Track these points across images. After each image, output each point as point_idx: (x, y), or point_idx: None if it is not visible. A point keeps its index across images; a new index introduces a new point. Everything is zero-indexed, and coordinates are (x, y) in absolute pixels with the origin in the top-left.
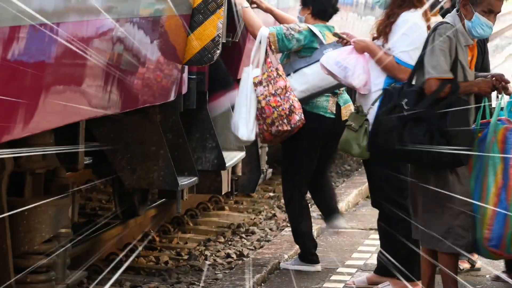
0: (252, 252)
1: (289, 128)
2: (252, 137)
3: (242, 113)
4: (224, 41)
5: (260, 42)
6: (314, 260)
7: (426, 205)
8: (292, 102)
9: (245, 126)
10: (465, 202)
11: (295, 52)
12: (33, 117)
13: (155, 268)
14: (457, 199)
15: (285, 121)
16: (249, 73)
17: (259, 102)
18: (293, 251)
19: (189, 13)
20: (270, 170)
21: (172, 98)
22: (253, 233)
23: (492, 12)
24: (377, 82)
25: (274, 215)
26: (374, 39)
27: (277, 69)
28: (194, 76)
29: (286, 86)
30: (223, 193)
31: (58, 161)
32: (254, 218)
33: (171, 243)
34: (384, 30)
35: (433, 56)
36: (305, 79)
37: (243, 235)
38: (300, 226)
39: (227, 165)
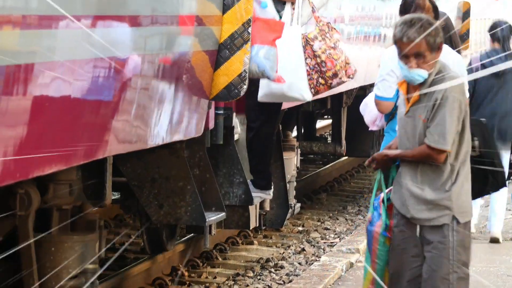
0: (281, 286)
1: (348, 80)
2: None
3: (301, 73)
4: (251, 76)
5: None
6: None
7: None
8: (345, 53)
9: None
10: None
11: None
12: (59, 153)
13: None
14: None
15: (343, 72)
16: (294, 32)
17: (317, 56)
18: (322, 286)
19: (216, 49)
20: (299, 205)
21: (199, 133)
22: (282, 267)
23: (407, 56)
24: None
25: (303, 249)
26: None
27: (328, 23)
28: (221, 112)
29: (339, 39)
30: (251, 228)
31: (85, 196)
32: (283, 253)
33: (200, 277)
34: None
35: None
36: None
37: (272, 270)
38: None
39: (254, 200)
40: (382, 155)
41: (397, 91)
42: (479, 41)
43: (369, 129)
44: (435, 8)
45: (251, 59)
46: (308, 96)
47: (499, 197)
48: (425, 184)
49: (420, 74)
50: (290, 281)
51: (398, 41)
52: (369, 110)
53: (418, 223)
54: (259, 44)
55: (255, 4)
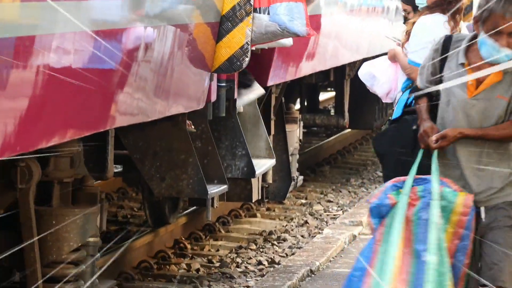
0: (284, 259)
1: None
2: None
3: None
4: (254, 49)
5: None
6: None
7: None
8: None
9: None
10: None
11: None
12: (61, 125)
13: (186, 276)
14: None
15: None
16: None
17: None
18: (324, 258)
19: (218, 21)
20: (301, 178)
21: (201, 106)
22: (284, 240)
23: (500, 32)
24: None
25: (306, 222)
26: (404, 43)
27: None
28: (223, 84)
29: None
30: (253, 201)
31: (87, 169)
32: (286, 225)
33: (202, 250)
34: (408, 33)
35: None
36: None
37: (275, 242)
38: None
39: (257, 172)
40: (457, 131)
41: None
42: None
43: (383, 101)
44: None
45: (270, 20)
46: (289, 43)
47: None
48: (492, 166)
49: (508, 54)
50: (293, 254)
51: (495, 17)
52: (380, 83)
53: (482, 205)
54: (277, 3)
55: None
